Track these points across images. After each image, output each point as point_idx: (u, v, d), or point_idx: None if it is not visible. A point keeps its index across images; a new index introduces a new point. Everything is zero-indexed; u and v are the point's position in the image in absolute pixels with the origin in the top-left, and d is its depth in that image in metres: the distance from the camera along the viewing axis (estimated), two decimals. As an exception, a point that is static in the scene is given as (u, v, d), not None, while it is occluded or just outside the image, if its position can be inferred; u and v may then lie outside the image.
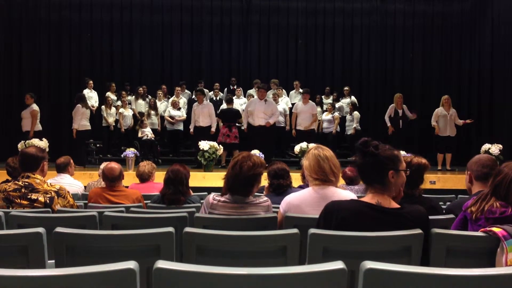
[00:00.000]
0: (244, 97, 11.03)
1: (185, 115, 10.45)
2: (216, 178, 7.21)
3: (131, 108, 10.62)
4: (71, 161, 4.94)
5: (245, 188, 2.59)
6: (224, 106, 10.66)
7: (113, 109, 10.34)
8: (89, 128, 9.39)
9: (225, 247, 2.01)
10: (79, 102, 9.25)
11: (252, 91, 10.87)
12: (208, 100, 11.22)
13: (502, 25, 10.75)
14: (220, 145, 8.30)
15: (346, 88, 11.49)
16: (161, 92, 11.07)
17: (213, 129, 9.19)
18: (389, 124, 9.40)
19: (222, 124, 9.57)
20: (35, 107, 9.01)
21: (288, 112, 10.11)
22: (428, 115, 9.41)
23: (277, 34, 12.70)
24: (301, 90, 10.97)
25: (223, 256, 1.99)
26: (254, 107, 8.92)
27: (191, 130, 9.36)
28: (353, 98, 11.34)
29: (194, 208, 3.17)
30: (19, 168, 3.35)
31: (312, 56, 12.72)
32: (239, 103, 10.57)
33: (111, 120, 10.20)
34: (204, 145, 8.07)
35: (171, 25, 12.52)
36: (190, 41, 12.58)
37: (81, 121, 9.20)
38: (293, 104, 10.68)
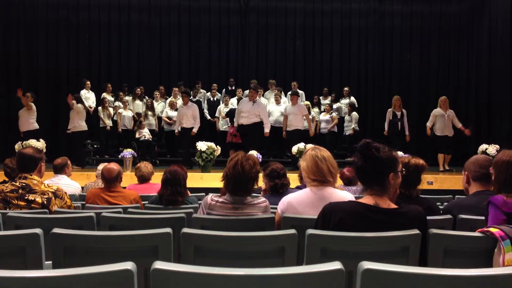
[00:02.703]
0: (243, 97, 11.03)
1: (182, 116, 10.44)
2: (213, 179, 7.21)
3: (129, 109, 10.61)
4: (69, 162, 4.94)
5: (247, 187, 2.59)
6: (222, 106, 10.69)
7: (110, 110, 10.32)
8: (86, 129, 9.38)
9: (223, 247, 2.01)
10: (79, 102, 9.24)
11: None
12: (206, 101, 11.24)
13: (499, 25, 10.78)
14: (217, 146, 8.28)
15: (346, 88, 11.52)
16: (158, 93, 11.07)
17: (194, 131, 8.99)
18: (386, 129, 9.41)
19: (229, 124, 9.59)
20: (32, 105, 9.03)
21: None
22: (426, 116, 9.40)
23: (275, 35, 12.71)
24: (298, 91, 11.00)
25: (221, 256, 1.99)
26: (242, 107, 8.93)
27: (176, 131, 9.29)
28: (352, 98, 11.36)
29: (192, 208, 3.17)
30: (16, 168, 3.34)
31: (310, 57, 12.74)
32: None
33: (108, 120, 10.19)
34: (201, 146, 8.05)
35: (169, 26, 12.52)
36: (188, 42, 12.58)
37: (80, 122, 9.16)
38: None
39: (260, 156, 7.63)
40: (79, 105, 9.15)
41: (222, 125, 10.50)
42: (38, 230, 1.94)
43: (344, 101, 11.33)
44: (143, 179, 4.74)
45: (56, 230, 1.95)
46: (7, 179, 3.93)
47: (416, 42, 12.49)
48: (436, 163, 9.09)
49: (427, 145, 9.94)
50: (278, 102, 10.06)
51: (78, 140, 9.23)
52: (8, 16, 11.61)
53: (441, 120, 9.01)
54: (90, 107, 10.28)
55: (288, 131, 9.16)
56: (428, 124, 9.13)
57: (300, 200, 2.57)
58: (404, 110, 9.49)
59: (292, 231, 2.04)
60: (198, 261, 1.95)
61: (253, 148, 8.11)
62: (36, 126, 9.01)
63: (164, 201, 3.36)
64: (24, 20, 11.67)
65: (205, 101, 11.23)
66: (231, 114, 9.62)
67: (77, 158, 8.81)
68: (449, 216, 2.61)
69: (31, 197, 3.09)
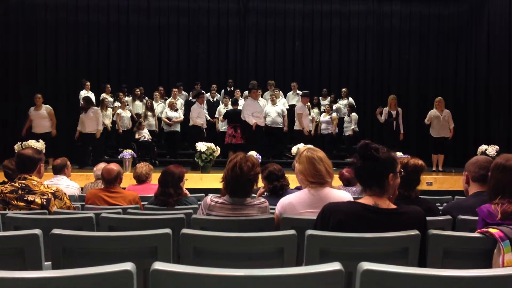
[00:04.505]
0: (241, 97, 11.03)
1: (182, 117, 10.46)
2: (213, 179, 7.21)
3: (128, 110, 10.60)
4: (68, 162, 4.94)
5: (247, 189, 2.58)
6: (221, 106, 10.70)
7: (109, 111, 10.32)
8: None
9: (222, 248, 2.01)
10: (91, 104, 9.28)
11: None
12: (205, 102, 11.24)
13: (498, 26, 10.80)
14: (217, 147, 8.27)
15: (343, 89, 11.52)
16: (158, 94, 11.07)
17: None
18: (382, 118, 9.55)
19: (228, 125, 9.58)
20: (49, 106, 9.02)
21: (286, 113, 10.10)
22: (425, 117, 9.42)
23: (274, 35, 12.72)
24: (298, 92, 11.01)
25: (220, 257, 1.99)
26: (254, 107, 8.96)
27: (205, 125, 9.59)
28: (350, 99, 11.37)
29: (191, 209, 3.16)
30: (15, 169, 3.34)
31: (309, 58, 12.74)
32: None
33: (107, 121, 10.19)
34: (201, 146, 8.05)
35: (168, 27, 12.53)
36: (187, 43, 12.59)
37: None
38: (290, 106, 10.69)
39: (260, 156, 7.63)
40: (96, 108, 9.24)
41: (222, 125, 10.49)
42: (37, 231, 1.94)
43: (343, 102, 11.34)
44: (139, 179, 4.74)
45: (56, 230, 1.95)
46: (6, 180, 3.92)
47: (414, 43, 12.51)
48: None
49: (426, 146, 9.97)
50: (274, 102, 10.06)
51: (91, 141, 9.25)
52: (7, 17, 11.60)
53: (437, 121, 9.04)
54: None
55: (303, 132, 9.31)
56: (426, 121, 9.18)
57: (298, 201, 2.56)
58: (399, 109, 9.51)
59: (292, 231, 2.03)
60: (197, 262, 1.95)
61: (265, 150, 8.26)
62: (47, 129, 8.98)
63: (158, 201, 3.38)
64: (23, 22, 11.66)
65: (204, 102, 11.22)
66: (228, 115, 9.61)
67: (83, 159, 8.87)
68: (448, 217, 2.61)
69: (30, 197, 3.09)
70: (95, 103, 10.46)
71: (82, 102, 9.42)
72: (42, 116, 8.90)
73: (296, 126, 9.46)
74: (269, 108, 9.93)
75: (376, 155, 1.96)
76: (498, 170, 2.20)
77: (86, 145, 9.21)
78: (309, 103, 10.58)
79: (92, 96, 10.58)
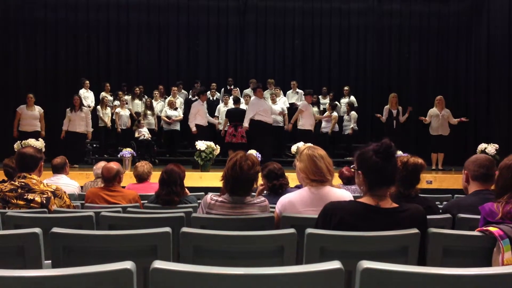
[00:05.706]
0: (241, 97, 11.01)
1: (181, 115, 10.46)
2: (213, 178, 7.20)
3: (128, 108, 10.60)
4: (67, 161, 4.94)
5: (246, 187, 2.58)
6: (221, 105, 10.68)
7: (109, 109, 10.32)
8: None
9: (222, 247, 2.01)
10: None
11: (248, 91, 10.87)
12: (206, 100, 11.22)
13: (498, 25, 10.80)
14: (216, 145, 8.26)
15: (345, 88, 11.51)
16: (157, 92, 11.06)
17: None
18: (384, 118, 9.52)
19: (228, 124, 9.57)
20: (41, 108, 9.06)
21: (286, 112, 10.08)
22: (425, 116, 9.42)
23: (273, 34, 12.72)
24: (298, 90, 11.00)
25: (220, 256, 1.99)
26: (261, 105, 8.94)
27: (194, 129, 9.08)
28: (352, 98, 11.37)
29: (191, 208, 3.16)
30: (16, 168, 3.34)
31: (309, 56, 12.74)
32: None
33: (107, 120, 10.19)
34: (201, 145, 8.05)
35: (167, 25, 12.53)
36: (187, 41, 12.59)
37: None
38: (290, 104, 10.67)
39: (260, 155, 7.62)
40: (87, 109, 9.30)
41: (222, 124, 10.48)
42: (37, 230, 1.94)
43: (344, 100, 11.34)
44: (140, 178, 4.73)
45: (55, 229, 1.95)
46: (6, 179, 3.92)
47: (415, 41, 12.50)
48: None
49: (425, 145, 9.97)
50: (274, 101, 10.05)
51: (81, 142, 9.30)
52: (6, 16, 11.58)
53: (436, 120, 9.05)
54: (89, 107, 10.27)
55: (309, 131, 9.20)
56: (426, 119, 9.18)
57: (298, 199, 2.57)
58: (400, 108, 9.51)
59: (292, 230, 2.03)
60: (197, 261, 1.95)
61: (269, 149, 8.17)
62: (38, 128, 8.99)
63: (161, 201, 3.35)
64: (23, 20, 11.65)
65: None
66: (230, 114, 9.59)
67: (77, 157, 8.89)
68: (448, 215, 2.61)
69: (30, 196, 3.08)
70: (94, 103, 10.51)
71: (76, 99, 9.24)
72: (35, 117, 8.96)
73: (300, 126, 9.25)
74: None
75: (395, 155, 1.96)
76: (509, 170, 2.19)
77: (76, 144, 9.24)
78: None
79: (91, 95, 10.60)
